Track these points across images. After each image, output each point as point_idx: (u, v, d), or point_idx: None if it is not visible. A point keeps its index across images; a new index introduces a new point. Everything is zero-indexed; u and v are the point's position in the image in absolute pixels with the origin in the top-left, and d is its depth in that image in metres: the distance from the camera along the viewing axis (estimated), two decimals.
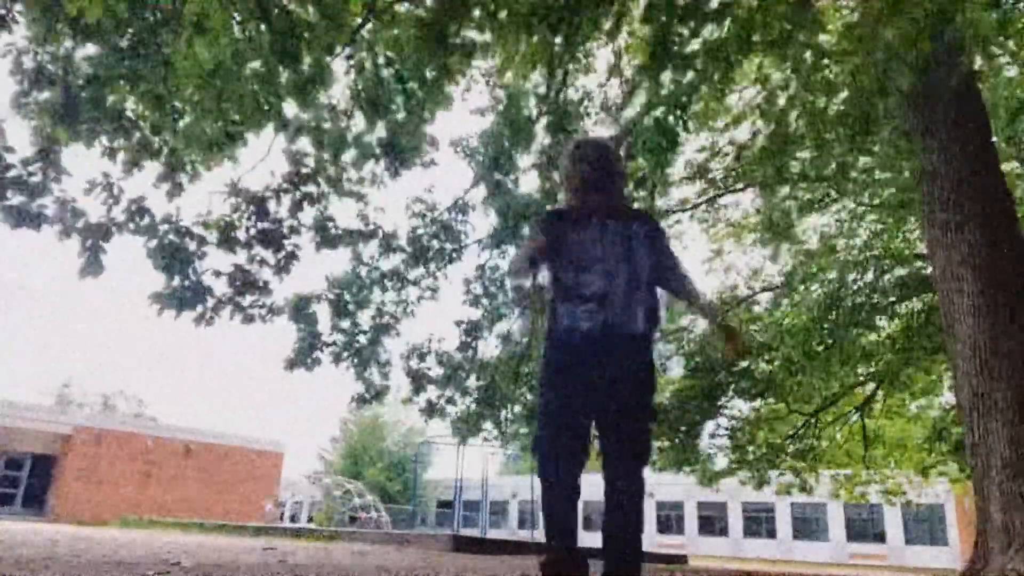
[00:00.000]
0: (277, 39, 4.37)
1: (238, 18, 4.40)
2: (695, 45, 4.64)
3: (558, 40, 4.93)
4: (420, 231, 9.18)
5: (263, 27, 4.36)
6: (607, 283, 2.36)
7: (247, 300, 6.99)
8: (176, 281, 6.46)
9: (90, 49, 4.99)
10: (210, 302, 6.73)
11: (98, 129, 5.31)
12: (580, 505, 2.34)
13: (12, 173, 5.34)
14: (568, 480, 2.31)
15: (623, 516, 2.29)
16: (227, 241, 6.77)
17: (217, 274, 6.82)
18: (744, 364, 11.89)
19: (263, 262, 7.03)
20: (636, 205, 8.44)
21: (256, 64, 4.68)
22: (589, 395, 2.32)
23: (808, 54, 4.68)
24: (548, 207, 2.82)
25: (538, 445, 2.37)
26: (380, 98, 5.75)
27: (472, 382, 10.06)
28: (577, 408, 2.34)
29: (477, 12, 4.69)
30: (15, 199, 5.40)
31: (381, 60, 5.63)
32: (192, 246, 6.59)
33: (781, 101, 4.85)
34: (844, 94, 4.72)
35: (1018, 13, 4.61)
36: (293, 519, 31.65)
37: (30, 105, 5.00)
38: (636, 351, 2.36)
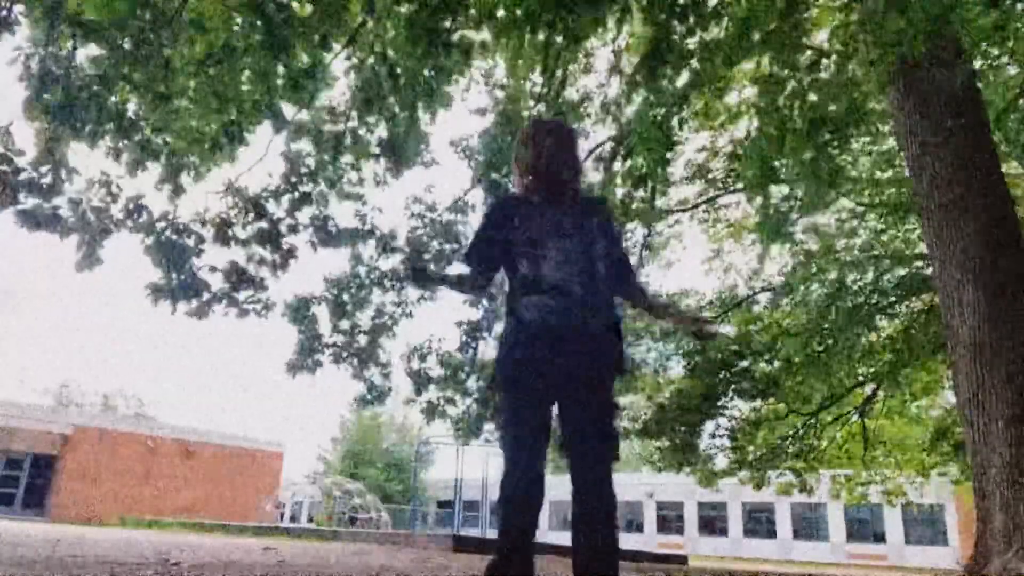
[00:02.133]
0: (270, 33, 4.36)
1: (238, 18, 4.41)
2: (692, 44, 4.65)
3: (558, 39, 4.93)
4: (419, 231, 9.19)
5: (257, 22, 4.35)
6: (566, 274, 2.29)
7: (242, 295, 7.01)
8: (173, 276, 6.49)
9: (92, 50, 5.00)
10: (205, 296, 6.75)
11: (101, 130, 5.32)
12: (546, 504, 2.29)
13: (23, 176, 5.35)
14: (535, 478, 2.23)
15: (595, 523, 2.21)
16: (223, 239, 6.79)
17: (213, 269, 6.84)
18: (744, 364, 11.90)
19: (261, 260, 7.05)
20: (635, 205, 8.46)
21: (250, 59, 4.68)
22: (551, 390, 2.26)
23: (806, 54, 4.69)
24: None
25: (505, 441, 2.28)
26: (377, 97, 5.76)
27: (472, 383, 10.06)
28: (541, 404, 2.27)
29: (473, 11, 4.69)
30: (29, 202, 5.41)
31: (376, 60, 5.63)
32: (189, 243, 6.61)
33: (780, 100, 4.85)
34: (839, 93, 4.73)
35: (1017, 13, 4.61)
36: (293, 519, 31.63)
37: (37, 108, 5.00)
38: (600, 343, 2.29)
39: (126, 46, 4.78)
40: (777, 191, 8.77)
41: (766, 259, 11.88)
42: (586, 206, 2.49)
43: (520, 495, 2.21)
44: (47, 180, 5.38)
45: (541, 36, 5.06)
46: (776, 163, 5.13)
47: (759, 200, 7.21)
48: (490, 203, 2.57)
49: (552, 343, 2.23)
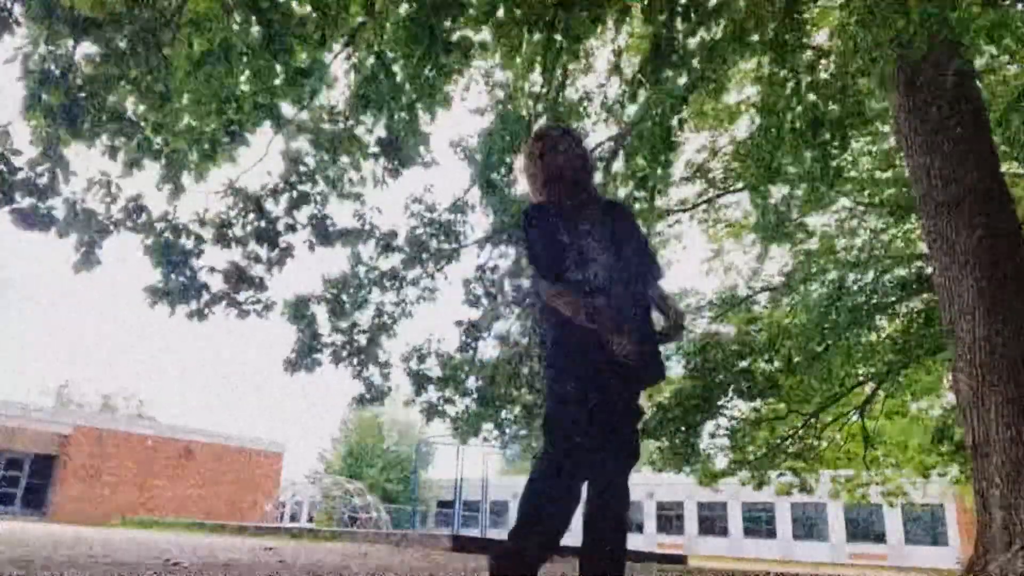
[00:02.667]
0: (267, 32, 4.36)
1: (236, 17, 4.40)
2: (692, 44, 4.65)
3: (557, 38, 4.93)
4: (419, 231, 9.19)
5: (253, 19, 4.35)
6: (609, 281, 2.28)
7: (242, 296, 7.01)
8: (173, 277, 6.49)
9: (90, 48, 5.00)
10: (205, 297, 6.75)
11: (99, 129, 5.31)
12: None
13: (20, 176, 5.34)
14: (577, 484, 2.19)
15: (607, 526, 2.20)
16: (223, 239, 6.78)
17: (212, 270, 6.84)
18: (744, 364, 11.89)
19: (258, 259, 7.05)
20: (637, 206, 8.46)
21: (248, 58, 4.68)
22: (594, 395, 2.22)
23: (807, 54, 4.69)
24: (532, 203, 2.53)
25: (558, 444, 2.20)
26: (376, 97, 5.75)
27: (472, 383, 10.07)
28: (586, 408, 2.22)
29: (473, 10, 4.68)
30: (24, 201, 5.40)
31: (374, 59, 5.62)
32: (189, 244, 6.61)
33: (779, 101, 4.85)
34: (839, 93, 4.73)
35: (1017, 13, 4.61)
36: (293, 519, 31.65)
37: (36, 107, 4.99)
38: (642, 351, 2.28)
39: (123, 44, 4.77)
40: (776, 191, 8.77)
41: (765, 259, 11.88)
42: (610, 209, 2.50)
43: (560, 498, 2.16)
44: (44, 180, 5.37)
45: (541, 36, 5.06)
46: (777, 163, 5.13)
47: (760, 199, 7.21)
48: (528, 214, 2.42)
49: (603, 350, 2.19)
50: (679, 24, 4.60)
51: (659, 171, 5.68)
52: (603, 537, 2.21)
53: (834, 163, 5.07)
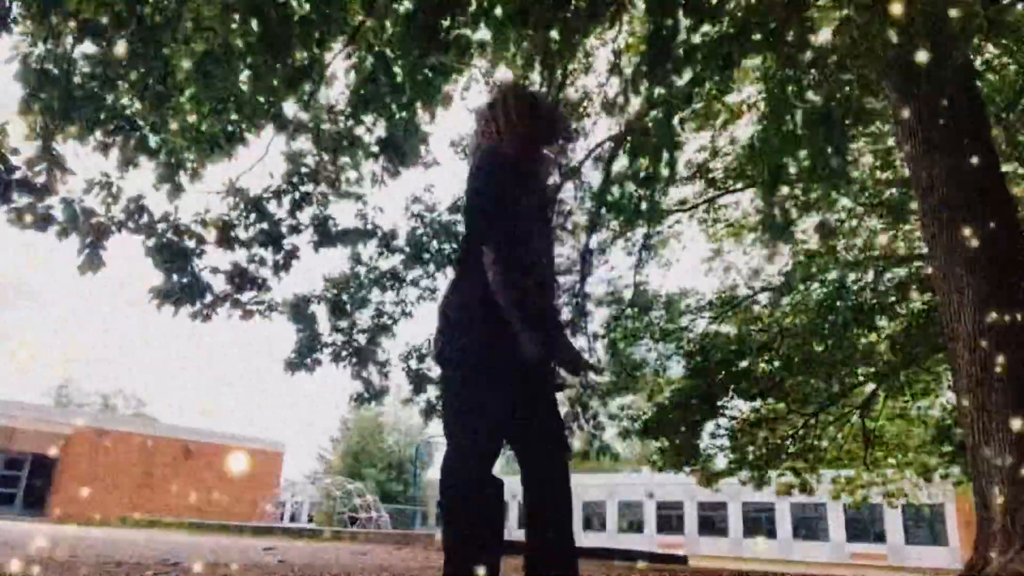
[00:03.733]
0: (267, 32, 4.35)
1: (236, 17, 4.40)
2: (695, 40, 4.64)
3: (555, 35, 4.92)
4: (419, 231, 9.18)
5: (254, 21, 4.35)
6: (543, 258, 2.19)
7: (245, 297, 7.00)
8: (175, 278, 6.48)
9: (89, 47, 4.99)
10: (208, 298, 6.74)
11: (95, 126, 5.30)
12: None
13: (17, 175, 5.33)
14: (494, 477, 2.02)
15: (548, 520, 2.04)
16: (225, 240, 6.78)
17: (215, 271, 6.83)
18: (744, 364, 11.88)
19: (263, 261, 7.05)
20: (644, 205, 8.45)
21: (249, 59, 4.67)
22: (516, 375, 2.05)
23: (807, 53, 4.68)
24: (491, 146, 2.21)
25: (469, 434, 2.02)
26: (375, 96, 5.75)
27: None
28: (507, 391, 2.05)
29: (472, 7, 4.68)
30: (22, 200, 5.38)
31: (374, 59, 5.62)
32: (191, 244, 6.60)
33: (783, 98, 4.84)
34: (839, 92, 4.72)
35: (1017, 12, 4.62)
36: (293, 519, 31.63)
37: (35, 106, 4.99)
38: (557, 335, 2.21)
39: (122, 45, 4.76)
40: (782, 190, 8.75)
41: (775, 257, 11.86)
42: (552, 196, 2.52)
43: (482, 487, 1.98)
44: (41, 179, 5.36)
45: (539, 35, 5.05)
46: (785, 161, 5.11)
47: (769, 199, 7.17)
48: (490, 159, 2.14)
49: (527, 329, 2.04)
50: (681, 17, 4.59)
51: (663, 171, 5.66)
52: (544, 534, 2.04)
53: (839, 161, 5.04)
